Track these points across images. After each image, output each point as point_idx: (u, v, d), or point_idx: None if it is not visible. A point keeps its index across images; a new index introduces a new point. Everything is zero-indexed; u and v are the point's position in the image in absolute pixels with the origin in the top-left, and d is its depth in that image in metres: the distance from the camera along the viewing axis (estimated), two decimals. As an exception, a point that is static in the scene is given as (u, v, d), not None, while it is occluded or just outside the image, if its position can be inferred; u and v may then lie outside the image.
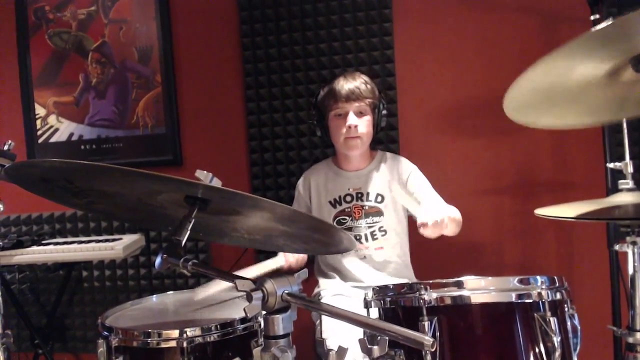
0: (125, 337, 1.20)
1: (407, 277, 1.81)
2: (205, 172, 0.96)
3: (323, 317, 1.66)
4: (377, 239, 1.77)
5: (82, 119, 2.45)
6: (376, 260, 1.77)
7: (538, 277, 0.96)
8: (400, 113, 2.22)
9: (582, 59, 1.02)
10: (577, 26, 2.02)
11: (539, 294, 0.93)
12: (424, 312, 0.92)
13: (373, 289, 1.10)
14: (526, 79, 1.06)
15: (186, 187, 0.94)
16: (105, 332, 1.24)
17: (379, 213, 1.78)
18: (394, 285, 1.05)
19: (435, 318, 0.93)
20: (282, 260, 1.65)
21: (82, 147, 2.45)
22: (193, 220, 1.00)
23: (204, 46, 2.36)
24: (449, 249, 2.03)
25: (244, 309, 0.73)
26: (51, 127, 2.47)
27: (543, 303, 0.94)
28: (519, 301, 0.94)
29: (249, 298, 0.72)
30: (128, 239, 2.18)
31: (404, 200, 1.62)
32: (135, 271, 2.40)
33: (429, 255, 1.90)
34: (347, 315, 0.70)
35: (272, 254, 1.70)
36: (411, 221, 1.83)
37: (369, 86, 1.75)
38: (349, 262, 1.78)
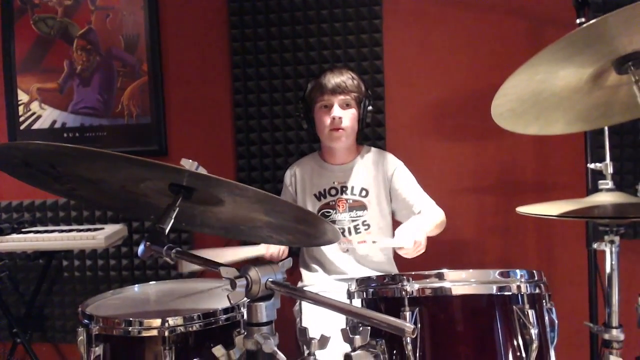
0: (106, 326, 1.20)
1: (390, 270, 1.82)
2: (190, 160, 0.95)
3: (304, 309, 1.67)
4: (360, 232, 1.78)
5: (65, 106, 2.41)
6: (359, 254, 1.79)
7: (517, 271, 0.98)
8: (387, 110, 2.23)
9: (563, 64, 1.03)
10: (563, 29, 2.04)
11: (518, 286, 0.95)
12: (406, 302, 0.94)
13: (356, 280, 1.11)
14: (510, 85, 1.06)
15: (171, 175, 0.94)
16: (86, 320, 1.23)
17: (362, 207, 1.79)
18: (376, 276, 1.06)
19: (417, 309, 0.94)
20: (263, 249, 1.66)
21: (65, 135, 2.41)
22: (177, 209, 0.99)
23: (191, 36, 2.34)
24: (431, 246, 2.03)
25: (228, 296, 0.73)
26: (34, 113, 2.43)
27: (522, 296, 0.96)
28: (499, 293, 0.96)
29: (233, 285, 0.72)
30: (110, 228, 2.16)
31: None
32: (117, 261, 2.38)
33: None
34: (330, 303, 0.71)
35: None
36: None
37: (355, 81, 1.76)
38: (332, 255, 1.79)
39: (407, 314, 0.92)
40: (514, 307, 0.96)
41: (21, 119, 2.43)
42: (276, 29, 2.25)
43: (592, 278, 1.76)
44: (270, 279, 0.76)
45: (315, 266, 1.83)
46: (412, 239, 1.43)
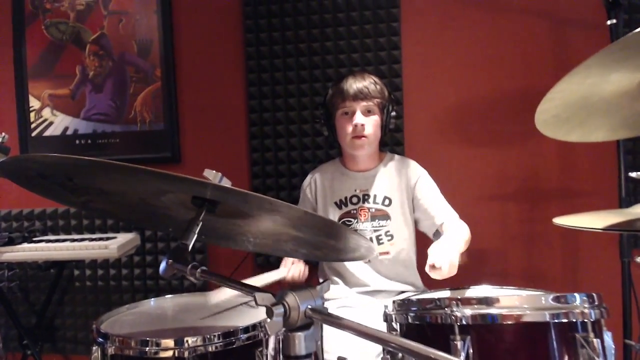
0: (122, 346, 1.14)
1: (413, 282, 1.75)
2: (214, 171, 0.89)
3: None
4: (382, 243, 1.71)
5: (77, 112, 2.36)
6: (381, 266, 1.71)
7: (577, 295, 0.90)
8: (406, 115, 2.16)
9: (616, 67, 0.96)
10: (590, 30, 1.98)
11: (582, 313, 0.87)
12: (456, 330, 0.86)
13: (394, 302, 1.04)
14: (558, 90, 1.00)
15: (194, 187, 0.88)
16: (100, 339, 1.17)
17: (385, 216, 1.72)
18: (417, 299, 0.99)
19: (468, 337, 0.86)
20: (284, 272, 1.60)
21: (77, 141, 2.37)
22: (201, 223, 0.93)
23: (206, 41, 2.29)
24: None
25: (265, 326, 0.66)
26: (45, 120, 2.38)
27: (584, 323, 0.87)
28: (559, 321, 0.87)
29: (270, 313, 0.65)
30: (123, 238, 2.11)
31: None
32: (129, 271, 2.32)
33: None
34: (383, 338, 0.63)
35: (272, 257, 1.64)
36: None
37: (377, 86, 1.70)
38: (353, 266, 1.72)
39: (458, 343, 0.84)
40: (577, 335, 0.87)
41: (32, 125, 2.39)
42: (292, 33, 2.20)
43: (627, 291, 1.68)
44: (310, 306, 0.69)
45: (335, 278, 1.76)
46: (448, 260, 1.29)
